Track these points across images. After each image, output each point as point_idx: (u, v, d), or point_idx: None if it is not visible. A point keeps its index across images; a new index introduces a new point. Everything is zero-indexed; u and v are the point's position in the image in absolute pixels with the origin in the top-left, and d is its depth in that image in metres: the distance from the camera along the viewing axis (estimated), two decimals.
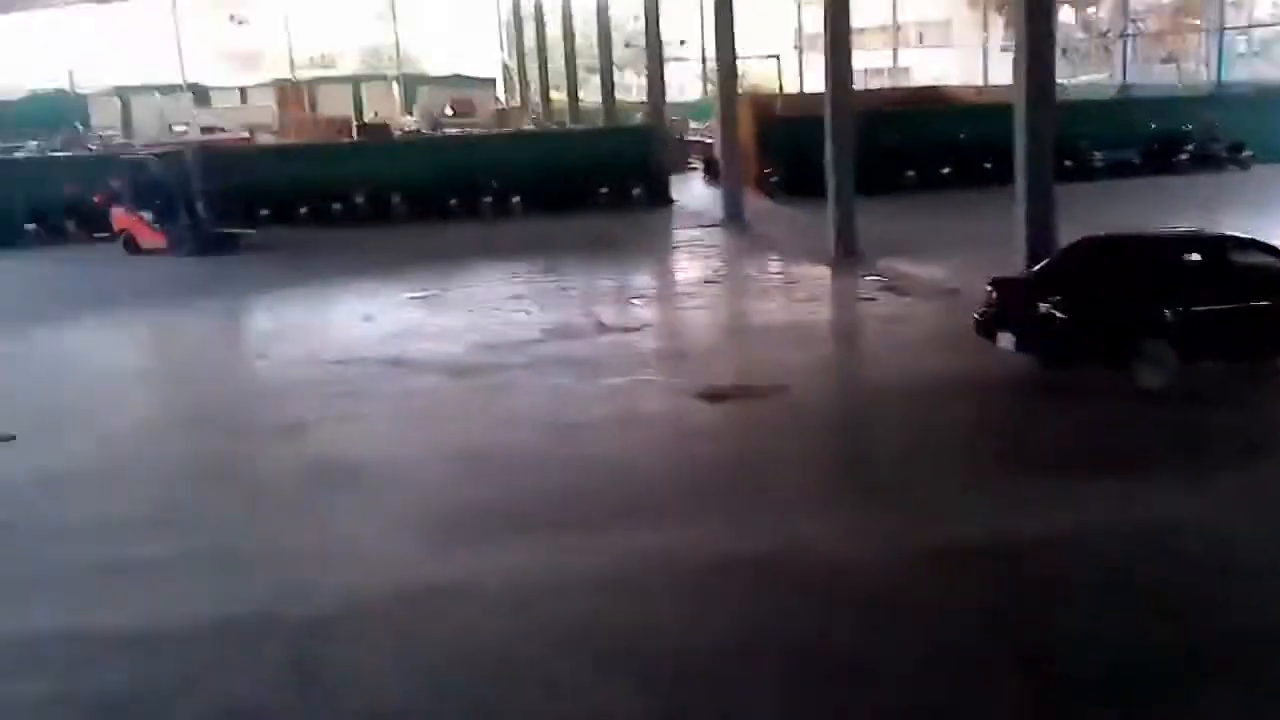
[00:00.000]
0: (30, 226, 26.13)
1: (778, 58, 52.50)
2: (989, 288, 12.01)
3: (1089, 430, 10.25)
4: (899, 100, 36.17)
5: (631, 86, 57.15)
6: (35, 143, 38.50)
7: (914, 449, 10.04)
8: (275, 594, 7.39)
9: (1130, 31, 45.94)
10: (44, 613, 7.26)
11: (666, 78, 34.58)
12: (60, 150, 35.80)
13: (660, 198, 29.78)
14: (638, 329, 15.24)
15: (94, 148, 36.84)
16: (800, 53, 56.31)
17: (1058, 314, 11.02)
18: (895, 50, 58.63)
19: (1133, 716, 5.74)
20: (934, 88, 40.80)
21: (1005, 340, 11.49)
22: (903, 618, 6.85)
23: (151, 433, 11.60)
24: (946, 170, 30.08)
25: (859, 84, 51.06)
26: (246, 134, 37.18)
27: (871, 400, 11.59)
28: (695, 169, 37.85)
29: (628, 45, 49.56)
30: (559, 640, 6.69)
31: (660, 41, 30.35)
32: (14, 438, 11.14)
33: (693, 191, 32.59)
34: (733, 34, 25.79)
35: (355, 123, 44.00)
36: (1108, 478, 8.94)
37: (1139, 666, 6.14)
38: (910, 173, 29.50)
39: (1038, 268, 12.22)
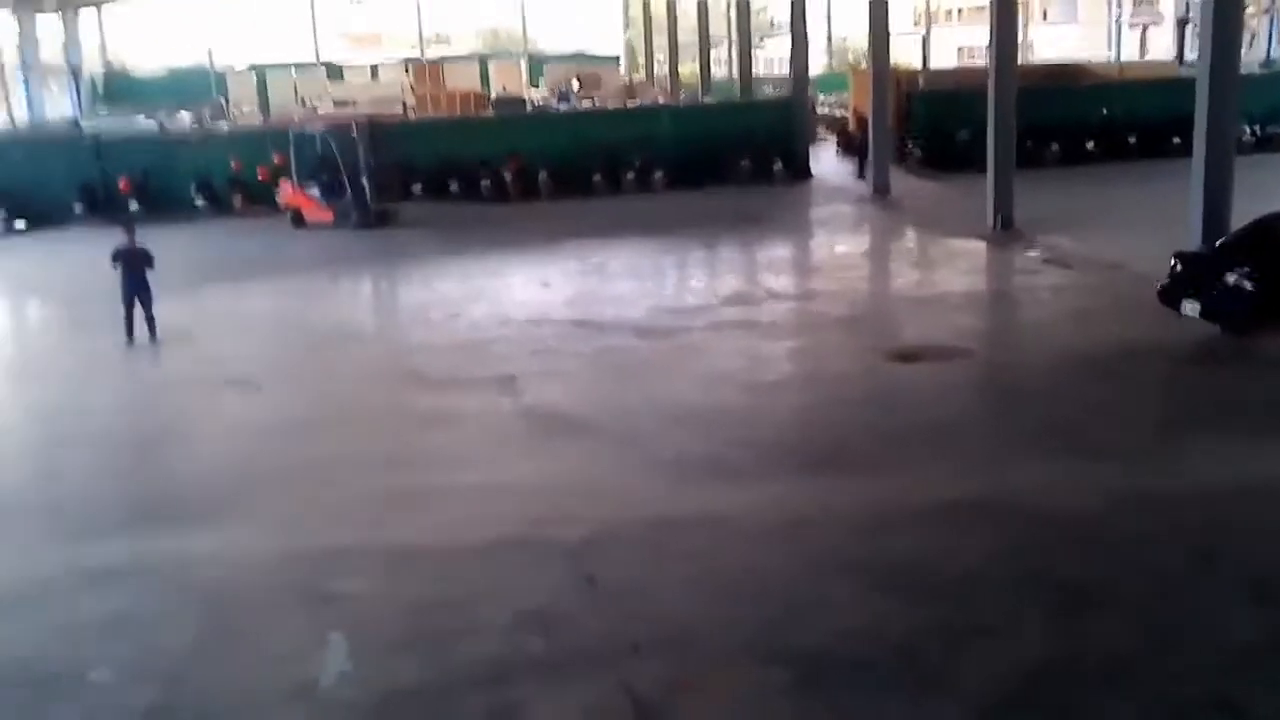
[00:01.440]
0: (199, 200, 27.56)
1: (926, 34, 52.18)
2: (1173, 260, 12.34)
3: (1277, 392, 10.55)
4: (1040, 76, 35.81)
5: (758, 59, 57.47)
6: (187, 114, 40.54)
7: (1108, 407, 10.40)
8: (540, 520, 8.16)
9: (1269, 8, 44.81)
10: (348, 532, 8.14)
11: (759, 52, 34.88)
12: (209, 121, 37.59)
13: (800, 171, 30.12)
14: (808, 297, 15.77)
15: (238, 121, 38.61)
16: (928, 29, 55.86)
17: (1246, 284, 11.29)
18: (1024, 26, 57.64)
19: None
20: (1073, 64, 40.22)
21: (1190, 308, 11.80)
22: (1121, 552, 7.30)
23: (372, 384, 12.54)
24: (1090, 145, 30.02)
25: (979, 59, 50.67)
26: (397, 109, 38.26)
27: (1056, 363, 11.92)
28: (825, 141, 38.09)
29: (774, 24, 49.85)
30: (813, 563, 7.34)
31: (805, 15, 30.56)
32: (256, 385, 12.23)
33: (827, 165, 32.84)
34: (886, 12, 25.96)
35: (487, 97, 45.15)
36: None
37: None
38: (1054, 147, 29.36)
39: (1223, 241, 12.48)
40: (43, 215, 26.81)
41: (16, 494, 9.56)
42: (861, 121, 29.47)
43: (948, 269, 17.61)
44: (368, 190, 24.46)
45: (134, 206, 26.44)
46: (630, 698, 5.80)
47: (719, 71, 51.61)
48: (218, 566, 7.71)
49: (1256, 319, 11.40)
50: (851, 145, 36.91)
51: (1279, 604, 6.63)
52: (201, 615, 6.97)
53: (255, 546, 8.04)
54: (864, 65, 44.47)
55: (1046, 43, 59.08)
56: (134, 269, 14.15)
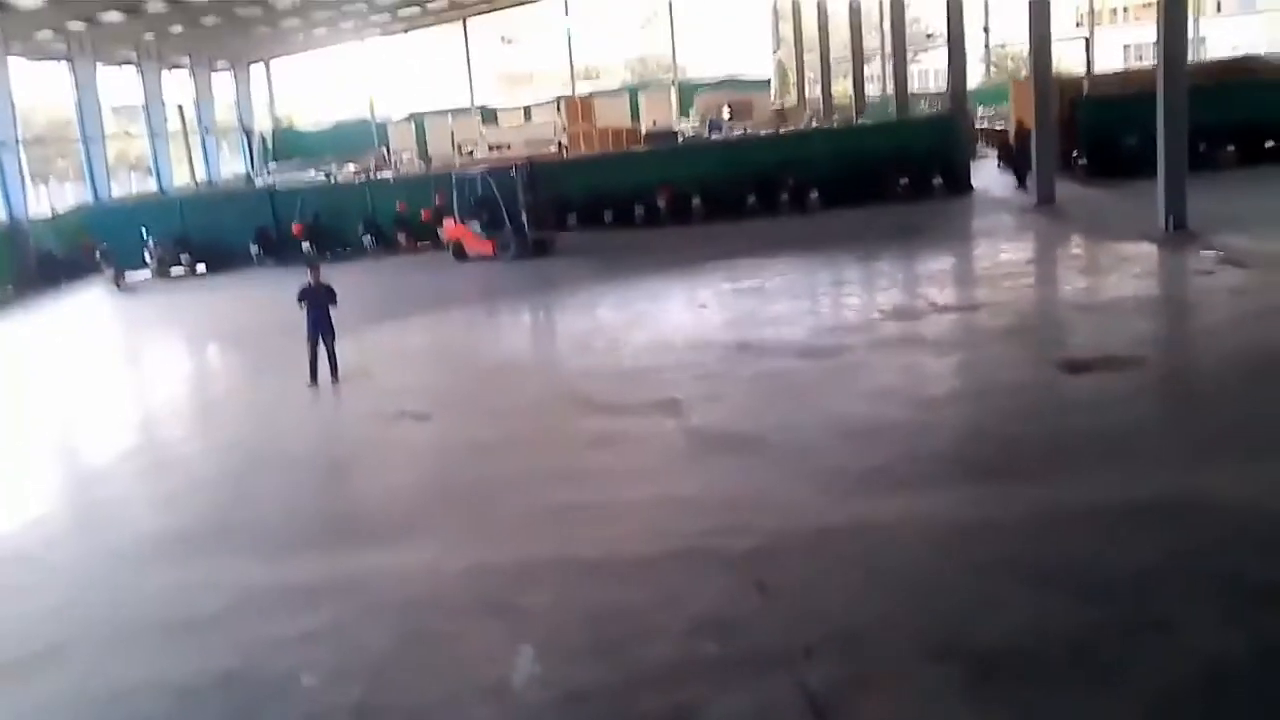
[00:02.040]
0: (366, 239, 29.05)
1: (1085, 39, 50.64)
2: None
3: None
4: (1213, 74, 34.34)
5: (911, 74, 56.70)
6: (352, 166, 42.65)
7: None
8: (708, 532, 8.31)
9: None
10: (526, 546, 8.48)
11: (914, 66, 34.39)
12: (374, 170, 39.50)
13: (960, 186, 29.64)
14: (974, 308, 15.51)
15: (399, 169, 40.46)
16: (1091, 30, 54.18)
17: None
18: (1196, 20, 55.30)
19: None
20: (1250, 59, 38.35)
21: None
22: None
23: (539, 410, 12.92)
24: (1270, 145, 28.70)
25: (1148, 58, 48.79)
26: (552, 149, 39.37)
27: (1233, 367, 11.45)
28: (985, 156, 37.31)
29: (929, 36, 49.20)
30: (979, 566, 7.30)
31: (962, 28, 30.17)
32: (428, 416, 12.78)
33: (988, 178, 32.18)
34: (1048, 11, 25.37)
35: (638, 131, 45.93)
36: None
37: None
38: (1230, 148, 28.10)
39: None
40: (223, 260, 28.82)
41: (220, 517, 10.23)
42: (1022, 133, 28.81)
43: (1117, 274, 17.06)
44: (525, 223, 25.35)
45: (307, 247, 27.99)
46: (805, 695, 5.87)
47: (873, 89, 51.20)
48: (407, 581, 8.12)
49: None
50: (1012, 158, 36.11)
51: None
52: (396, 625, 7.36)
53: (440, 562, 8.43)
54: (1024, 74, 43.58)
55: (1221, 37, 56.46)
56: (319, 307, 14.92)
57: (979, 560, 7.47)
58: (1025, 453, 9.57)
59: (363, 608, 7.70)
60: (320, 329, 14.90)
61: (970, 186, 29.90)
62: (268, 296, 22.23)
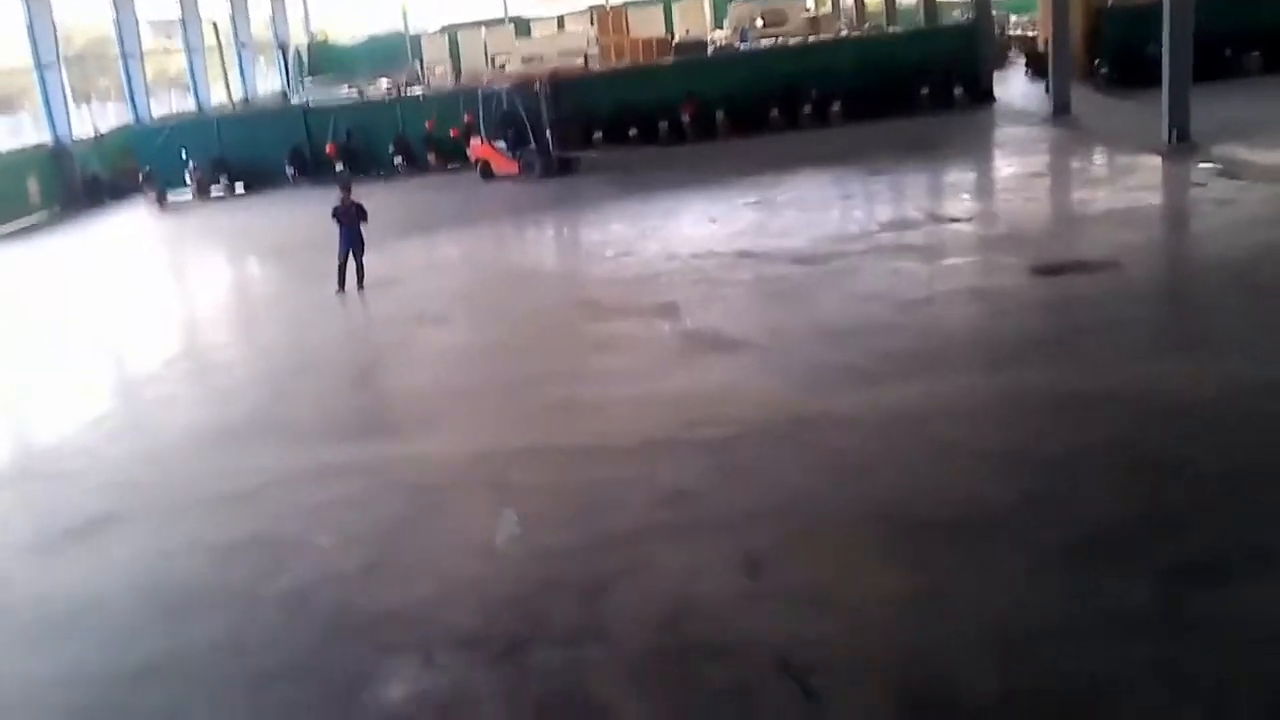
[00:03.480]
0: (397, 159, 29.78)
1: None
2: None
3: None
4: None
5: None
6: (385, 82, 43.25)
7: (1244, 311, 10.65)
8: (690, 423, 9.24)
9: None
10: (525, 436, 9.52)
11: None
12: (405, 86, 40.02)
13: (982, 96, 29.86)
14: (969, 219, 16.16)
15: (431, 83, 40.95)
16: None
17: None
18: None
19: None
20: None
21: None
22: (1233, 433, 7.81)
23: (548, 316, 13.86)
24: None
25: None
26: (579, 62, 39.67)
27: (1199, 272, 12.15)
28: (1016, 64, 37.31)
29: None
30: (928, 450, 8.19)
31: None
32: (446, 320, 13.80)
33: (1015, 88, 32.34)
34: None
35: (671, 42, 46.05)
36: None
37: None
38: (1255, 54, 28.07)
39: None
40: (260, 179, 29.79)
41: (258, 412, 11.35)
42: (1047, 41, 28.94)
43: (1113, 185, 17.59)
44: (550, 141, 26.01)
45: (340, 167, 28.88)
46: (744, 553, 6.85)
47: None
48: (420, 465, 9.17)
49: None
50: (1041, 65, 36.09)
51: None
52: (406, 499, 8.41)
53: (450, 449, 9.47)
54: None
55: None
56: (351, 225, 15.89)
57: (929, 444, 8.34)
58: (987, 349, 10.43)
59: (379, 485, 8.75)
60: (351, 244, 15.89)
61: (993, 97, 30.11)
62: (302, 214, 23.27)
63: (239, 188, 30.28)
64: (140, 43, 37.16)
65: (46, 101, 31.18)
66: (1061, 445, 8.00)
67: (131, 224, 27.63)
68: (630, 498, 7.87)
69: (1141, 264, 12.70)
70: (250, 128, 32.22)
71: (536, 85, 26.78)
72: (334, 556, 7.57)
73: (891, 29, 41.90)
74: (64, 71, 32.23)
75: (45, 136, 31.39)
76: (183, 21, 41.16)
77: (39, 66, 30.81)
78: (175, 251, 23.67)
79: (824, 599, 6.33)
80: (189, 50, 41.40)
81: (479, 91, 28.09)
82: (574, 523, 7.58)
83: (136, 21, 37.08)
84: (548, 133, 26.12)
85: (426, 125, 29.96)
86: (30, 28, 30.61)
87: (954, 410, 8.90)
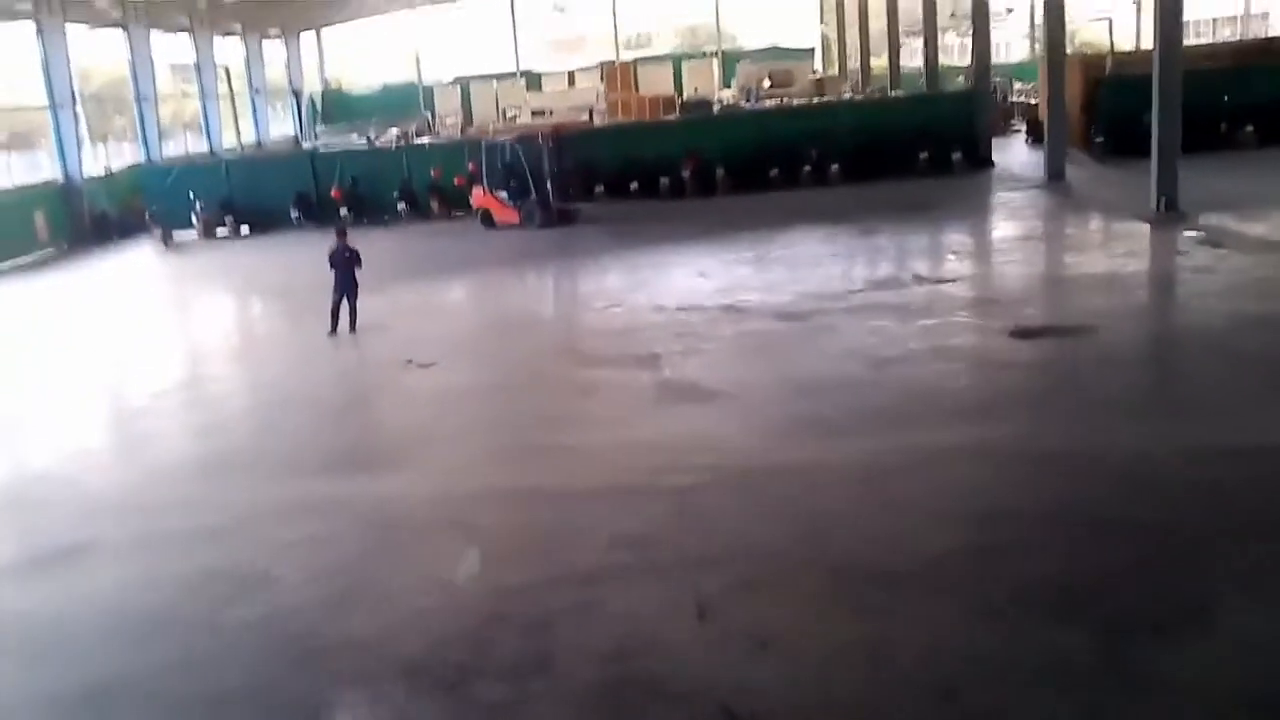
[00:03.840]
0: (401, 206, 30.21)
1: (1109, 19, 50.68)
2: None
3: None
4: (1239, 54, 34.58)
5: (953, 48, 56.91)
6: (394, 131, 43.94)
7: (1208, 378, 10.85)
8: (656, 469, 9.42)
9: None
10: (495, 477, 9.72)
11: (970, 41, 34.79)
12: (414, 135, 40.67)
13: (980, 161, 30.28)
14: (953, 280, 16.40)
15: (450, 134, 41.60)
16: (1138, 10, 54.00)
17: None
18: None
19: None
20: (1274, 39, 38.46)
21: None
22: (1181, 496, 7.97)
23: (532, 362, 14.08)
24: None
25: (1207, 34, 48.56)
26: (585, 117, 40.29)
27: (1170, 338, 12.38)
28: (1018, 131, 37.78)
29: (952, 15, 49.48)
30: (882, 502, 8.36)
31: (986, 5, 30.72)
32: (433, 364, 14.01)
33: (1014, 154, 32.75)
34: None
35: (677, 100, 46.81)
36: None
37: None
38: (1249, 129, 28.53)
39: None
40: (265, 221, 30.16)
41: (241, 446, 11.58)
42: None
43: (1099, 251, 17.87)
44: (550, 193, 26.42)
45: (344, 212, 29.32)
46: (695, 595, 6.99)
47: (916, 63, 51.56)
48: (389, 502, 9.34)
49: None
50: (1040, 133, 36.55)
51: None
52: (374, 536, 8.58)
53: (420, 488, 9.66)
54: (1068, 49, 43.57)
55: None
56: (345, 269, 16.18)
57: (881, 496, 8.52)
58: (952, 407, 10.58)
59: (348, 521, 8.92)
60: (345, 288, 16.17)
61: (990, 162, 30.52)
62: (303, 257, 23.50)
63: (245, 229, 30.66)
64: (155, 85, 37.81)
65: (59, 139, 31.72)
66: (1013, 501, 8.16)
67: (136, 262, 28.00)
68: (589, 540, 8.04)
69: (1116, 329, 12.89)
70: (257, 171, 32.79)
71: (539, 138, 27.23)
72: (297, 589, 7.72)
73: (894, 93, 42.54)
74: (78, 110, 32.80)
75: (58, 174, 31.88)
76: (197, 66, 41.90)
77: (53, 105, 31.40)
78: (176, 290, 23.97)
79: (768, 644, 6.47)
80: (203, 97, 42.13)
81: (482, 142, 28.58)
82: (533, 562, 7.76)
83: (152, 65, 37.78)
84: (548, 184, 26.52)
85: (432, 173, 30.42)
86: (45, 66, 31.22)
87: (911, 465, 9.07)
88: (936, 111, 32.05)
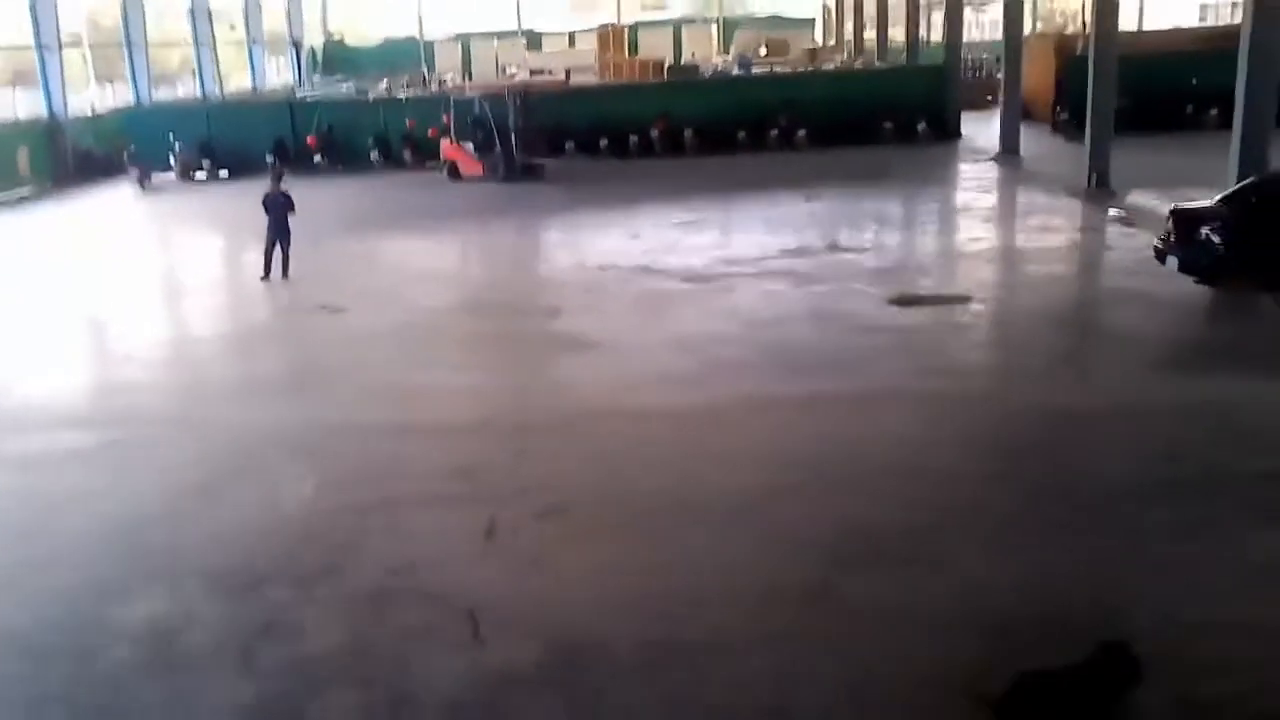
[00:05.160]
0: (374, 155, 30.83)
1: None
2: (1168, 216, 13.06)
3: (1220, 338, 11.69)
4: (1206, 39, 34.76)
5: (969, 23, 56.77)
6: (385, 83, 44.41)
7: (1069, 347, 11.51)
8: (515, 410, 10.14)
9: None
10: (361, 411, 10.45)
11: (983, 16, 35.02)
12: (407, 90, 41.13)
13: (947, 134, 30.73)
14: (867, 249, 16.97)
15: (434, 89, 42.03)
16: None
17: (1215, 238, 11.98)
18: None
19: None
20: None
21: (1171, 262, 12.55)
22: (965, 450, 8.65)
23: (444, 310, 14.70)
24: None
25: (1210, 18, 48.49)
26: (562, 77, 40.72)
27: (1037, 310, 12.99)
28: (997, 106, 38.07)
29: None
30: (704, 449, 9.03)
31: None
32: (344, 309, 14.72)
33: (989, 129, 33.04)
34: None
35: (668, 64, 47.09)
36: (1217, 372, 10.28)
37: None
38: (1214, 112, 28.83)
39: (1216, 199, 13.04)
40: (244, 166, 30.65)
41: (154, 373, 12.36)
42: (1031, 87, 29.85)
43: (1016, 225, 18.45)
44: (515, 148, 27.02)
45: (318, 159, 30.00)
46: (491, 520, 7.71)
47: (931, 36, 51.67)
48: (254, 430, 10.06)
49: (1223, 271, 12.06)
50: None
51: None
52: (228, 460, 9.32)
53: (287, 419, 10.34)
54: (1069, 29, 43.67)
55: None
56: (279, 214, 16.81)
57: (703, 441, 9.20)
58: (799, 363, 11.24)
59: (213, 444, 9.69)
60: (278, 232, 16.81)
61: (958, 134, 30.95)
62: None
63: (224, 173, 31.27)
64: (145, 30, 38.38)
65: (45, 78, 32.34)
66: (816, 449, 8.86)
67: (109, 202, 28.61)
68: (425, 470, 8.77)
69: (991, 300, 13.52)
70: (238, 116, 33.38)
71: (507, 94, 27.79)
72: (142, 499, 8.48)
73: (875, 64, 42.83)
74: (62, 53, 33.36)
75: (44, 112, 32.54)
76: (192, 13, 42.41)
77: (39, 45, 31.99)
78: (134, 231, 24.52)
79: (539, 561, 7.18)
80: (197, 43, 42.68)
81: (451, 97, 29.13)
82: (364, 489, 8.43)
83: (144, 13, 38.34)
84: (513, 139, 27.12)
85: (406, 124, 30.99)
86: (33, 7, 31.81)
87: (741, 413, 9.78)
88: (906, 84, 32.50)
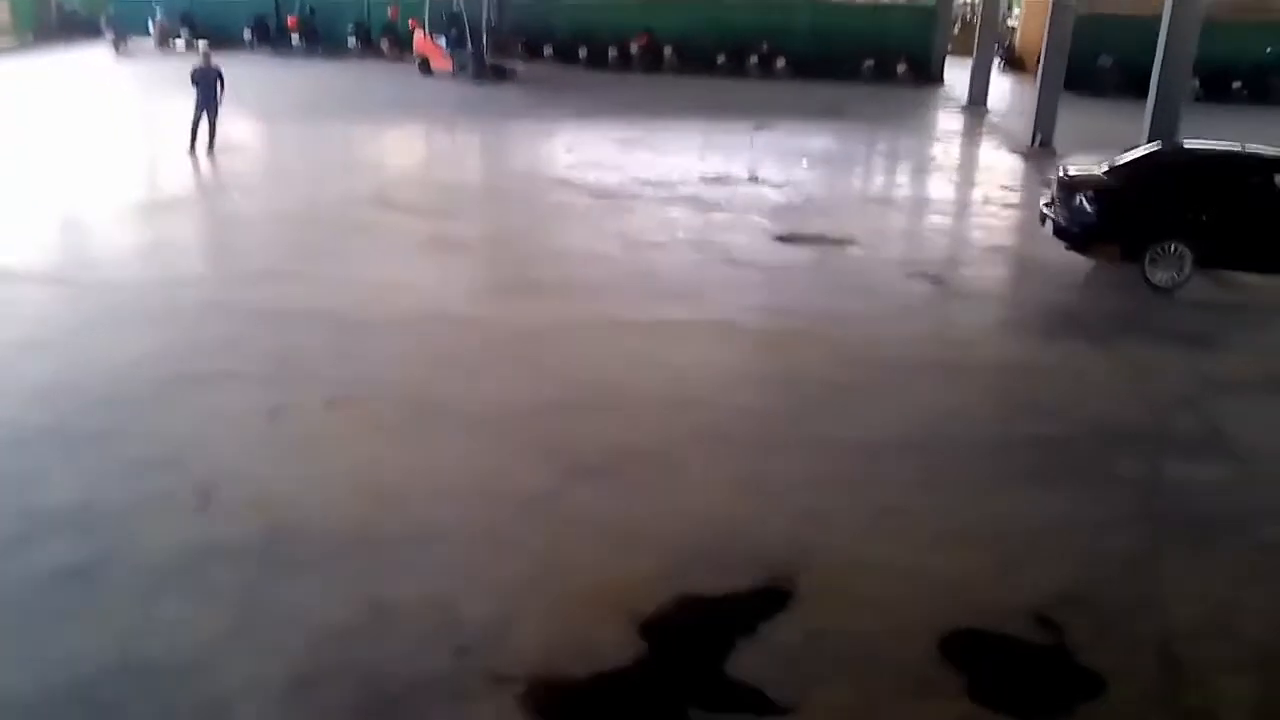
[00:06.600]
0: (352, 42, 30.65)
1: None
2: (1053, 180, 13.17)
3: (1063, 303, 12.02)
4: (1225, 9, 34.23)
5: None
6: None
7: (918, 299, 11.70)
8: (356, 303, 10.38)
9: None
10: (242, 293, 10.70)
11: None
12: None
13: (928, 78, 30.49)
14: (785, 185, 17.05)
15: None
16: None
17: (1087, 205, 12.09)
18: None
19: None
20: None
21: (1048, 225, 12.68)
22: (857, 396, 8.93)
23: (345, 201, 14.67)
24: (1237, 85, 29.62)
25: None
26: None
27: (915, 259, 13.17)
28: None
29: None
30: (519, 356, 9.31)
31: None
32: (252, 190, 14.93)
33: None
34: None
35: None
36: (1042, 336, 10.52)
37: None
38: (1195, 83, 28.56)
39: (1105, 167, 13.09)
40: (223, 39, 30.39)
41: (38, 233, 12.64)
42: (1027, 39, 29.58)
43: (943, 176, 18.49)
44: (485, 47, 26.90)
45: (295, 40, 29.89)
46: (277, 405, 8.06)
47: None
48: (114, 290, 10.39)
49: (1091, 239, 12.19)
50: (1012, 60, 36.60)
51: None
52: (89, 324, 9.68)
53: (176, 293, 10.60)
54: None
55: None
56: (208, 88, 16.95)
57: (518, 352, 9.41)
58: (659, 287, 11.43)
59: (85, 309, 10.05)
60: (206, 106, 16.97)
61: (939, 80, 30.73)
62: (242, 79, 24.05)
63: (202, 44, 31.05)
64: None
65: None
66: (625, 362, 9.17)
67: (80, 62, 28.64)
68: (246, 352, 9.07)
69: (872, 244, 13.68)
70: None
71: None
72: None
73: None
74: None
75: None
76: None
77: None
78: (93, 91, 24.58)
79: (307, 450, 7.51)
80: None
81: None
82: (177, 360, 8.80)
83: None
84: (484, 39, 26.98)
85: (389, 13, 30.82)
86: None
87: (568, 329, 10.01)
88: (894, 23, 32.20)
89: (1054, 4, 20.74)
